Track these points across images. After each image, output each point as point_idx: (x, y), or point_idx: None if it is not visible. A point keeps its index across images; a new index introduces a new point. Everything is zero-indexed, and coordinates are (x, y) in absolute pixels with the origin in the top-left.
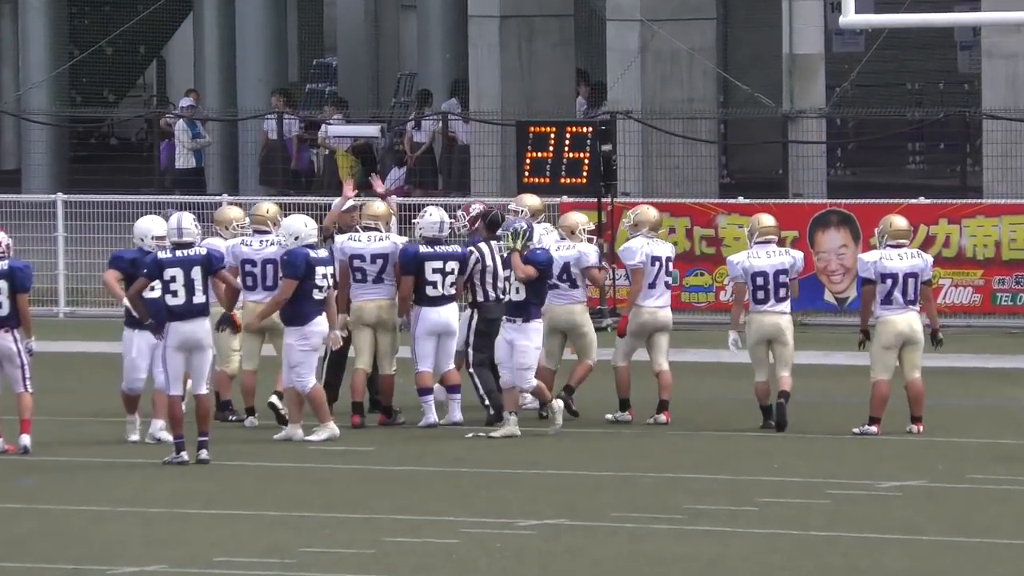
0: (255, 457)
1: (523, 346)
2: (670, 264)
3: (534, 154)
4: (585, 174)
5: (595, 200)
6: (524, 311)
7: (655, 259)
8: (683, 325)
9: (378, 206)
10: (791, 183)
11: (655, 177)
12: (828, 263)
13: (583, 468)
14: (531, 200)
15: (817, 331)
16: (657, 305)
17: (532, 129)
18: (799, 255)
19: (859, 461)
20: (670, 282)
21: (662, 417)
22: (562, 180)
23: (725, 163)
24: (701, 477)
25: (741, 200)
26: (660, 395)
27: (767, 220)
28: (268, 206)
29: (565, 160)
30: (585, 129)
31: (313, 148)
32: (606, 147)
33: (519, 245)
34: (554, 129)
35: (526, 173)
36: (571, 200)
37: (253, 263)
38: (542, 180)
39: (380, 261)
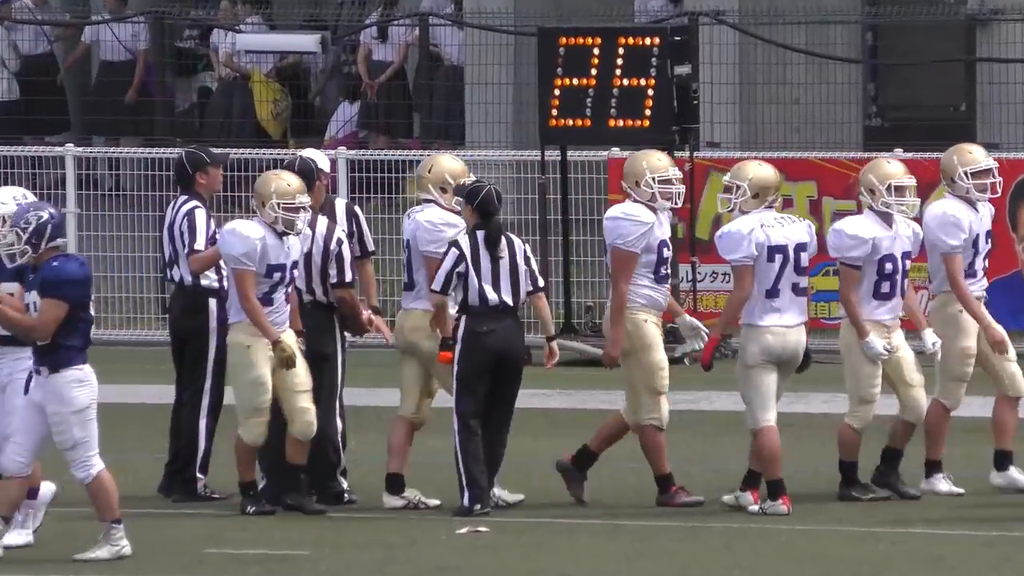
0: None
1: None
2: (803, 256)
3: (566, 81)
4: (648, 113)
5: (665, 152)
6: None
7: (776, 250)
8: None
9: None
10: (980, 127)
11: (760, 117)
12: None
13: None
14: (763, 171)
15: None
16: (784, 324)
17: (564, 41)
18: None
19: None
20: (804, 285)
21: (749, 498)
22: (612, 122)
23: (874, 96)
24: None
25: (899, 154)
26: (759, 468)
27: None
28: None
29: (616, 90)
30: (648, 40)
31: (206, 72)
32: (683, 69)
33: None
34: (598, 41)
35: (553, 112)
36: (626, 154)
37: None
38: (578, 122)
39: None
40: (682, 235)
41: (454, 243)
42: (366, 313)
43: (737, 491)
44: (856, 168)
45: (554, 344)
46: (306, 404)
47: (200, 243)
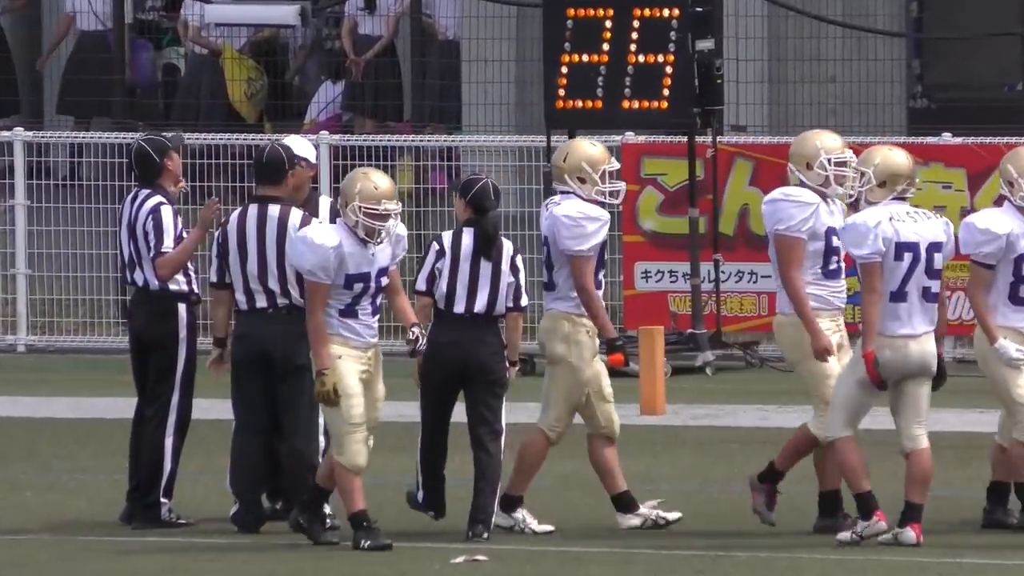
0: None
1: None
2: (937, 257)
3: (575, 58)
4: (667, 93)
5: (685, 139)
6: None
7: (905, 247)
8: None
9: None
10: None
11: (791, 98)
12: None
13: None
14: (893, 157)
15: None
16: (906, 333)
17: (573, 13)
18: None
19: None
20: (935, 290)
21: (911, 534)
22: (625, 104)
23: (919, 74)
24: None
25: (947, 139)
26: (910, 495)
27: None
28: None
29: (631, 68)
30: (667, 12)
31: (172, 48)
32: (706, 44)
33: None
34: (611, 13)
35: (560, 92)
36: (642, 139)
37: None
38: (588, 103)
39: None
40: (704, 230)
41: (436, 238)
42: None
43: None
44: None
45: (514, 370)
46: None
47: (168, 243)
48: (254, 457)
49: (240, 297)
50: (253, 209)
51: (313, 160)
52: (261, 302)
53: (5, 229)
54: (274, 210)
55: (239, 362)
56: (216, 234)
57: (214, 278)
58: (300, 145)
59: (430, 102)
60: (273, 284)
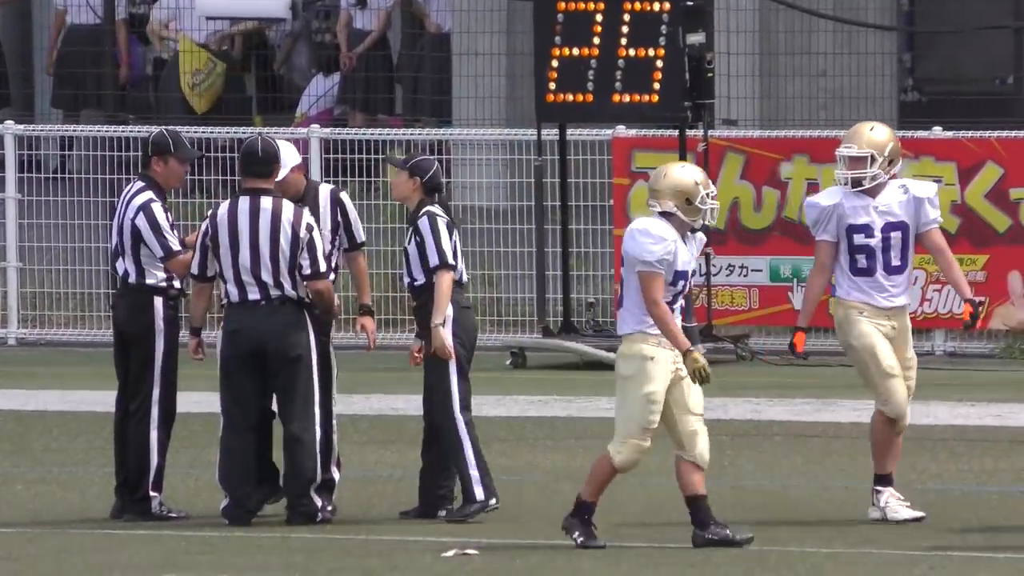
0: None
1: None
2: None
3: (566, 51)
4: (657, 87)
5: (675, 133)
6: None
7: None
8: (832, 355)
9: None
10: None
11: (782, 92)
12: None
13: None
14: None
15: None
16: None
17: (563, 6)
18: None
19: None
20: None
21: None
22: (616, 98)
23: (911, 67)
24: None
25: (938, 132)
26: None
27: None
28: None
29: (621, 61)
30: (658, 6)
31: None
32: (697, 37)
33: None
34: (601, 6)
35: (551, 85)
36: (632, 133)
37: None
38: (579, 97)
39: None
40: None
41: (212, 214)
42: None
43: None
44: None
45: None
46: (699, 427)
47: (176, 243)
48: (245, 454)
49: (232, 289)
50: (245, 202)
51: (297, 162)
52: (254, 294)
53: None
54: (267, 202)
55: (229, 357)
56: (203, 226)
57: (196, 271)
58: (287, 151)
59: (421, 96)
60: (266, 276)
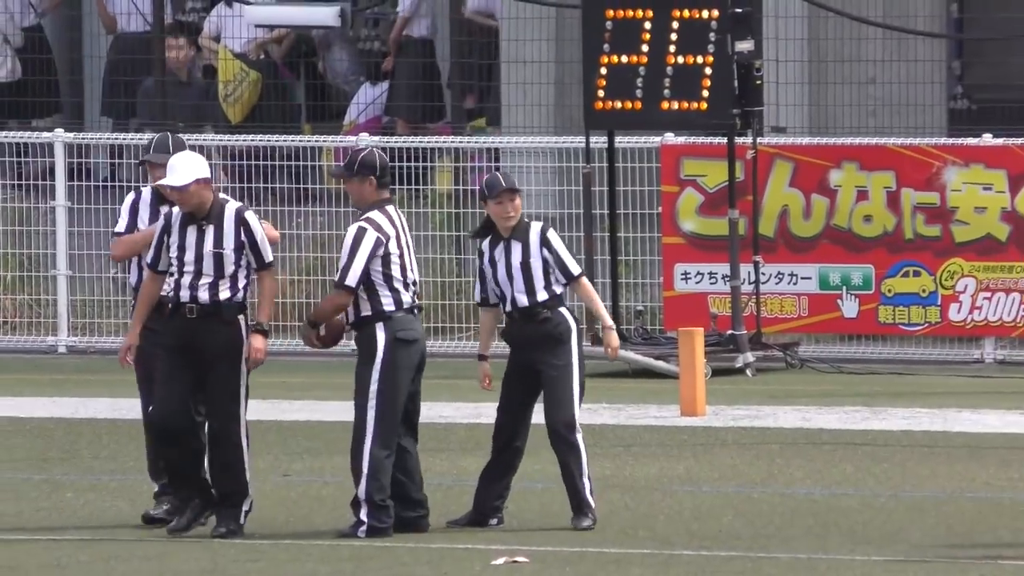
0: None
1: None
2: None
3: (614, 59)
4: (706, 94)
5: (724, 140)
6: None
7: None
8: (881, 363)
9: None
10: None
11: (831, 99)
12: None
13: None
14: None
15: None
16: None
17: (612, 14)
18: None
19: None
20: None
21: None
22: (664, 105)
23: (960, 75)
24: None
25: (987, 140)
26: None
27: None
28: None
29: (670, 69)
30: (706, 13)
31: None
32: (745, 45)
33: None
34: (650, 14)
35: (599, 92)
36: (681, 140)
37: None
38: (627, 104)
39: None
40: (744, 231)
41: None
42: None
43: None
44: (939, 156)
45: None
46: None
47: (120, 225)
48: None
49: (406, 297)
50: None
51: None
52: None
53: (46, 230)
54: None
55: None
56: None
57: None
58: (191, 161)
59: (469, 105)
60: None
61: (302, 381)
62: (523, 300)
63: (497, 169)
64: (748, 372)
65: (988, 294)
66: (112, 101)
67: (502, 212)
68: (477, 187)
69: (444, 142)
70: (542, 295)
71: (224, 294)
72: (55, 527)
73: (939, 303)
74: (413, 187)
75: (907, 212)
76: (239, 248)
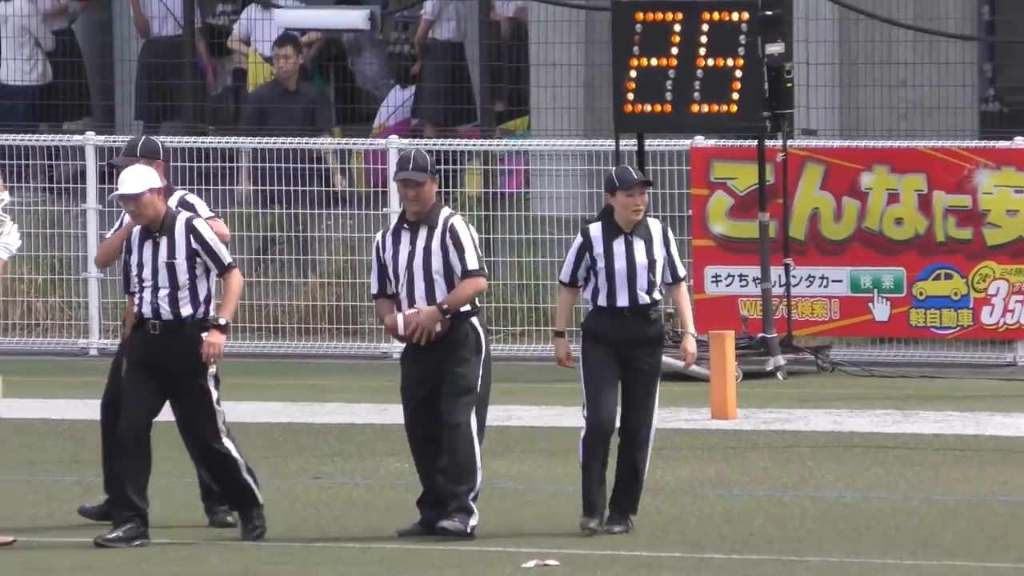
0: None
1: None
2: None
3: (644, 61)
4: (736, 97)
5: (755, 143)
6: None
7: None
8: (913, 366)
9: None
10: None
11: (862, 102)
12: None
13: None
14: None
15: None
16: None
17: (641, 16)
18: None
19: None
20: None
21: None
22: (695, 108)
23: (991, 77)
24: None
25: (1019, 142)
26: None
27: None
28: None
29: (700, 72)
30: (736, 16)
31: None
32: (775, 48)
33: None
34: (680, 16)
35: (629, 96)
36: (711, 143)
37: None
38: (657, 107)
39: None
40: (774, 234)
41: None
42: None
43: None
44: (970, 159)
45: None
46: None
47: (109, 232)
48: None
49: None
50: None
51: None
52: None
53: (77, 233)
54: None
55: None
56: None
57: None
58: (141, 172)
59: (499, 108)
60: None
61: (333, 384)
62: (644, 298)
63: (527, 171)
64: (779, 375)
65: (1020, 297)
66: (146, 104)
67: (631, 204)
68: (508, 189)
69: (473, 145)
70: (656, 295)
71: (186, 309)
72: (87, 529)
73: (971, 306)
74: (444, 190)
75: (939, 215)
76: (191, 256)
